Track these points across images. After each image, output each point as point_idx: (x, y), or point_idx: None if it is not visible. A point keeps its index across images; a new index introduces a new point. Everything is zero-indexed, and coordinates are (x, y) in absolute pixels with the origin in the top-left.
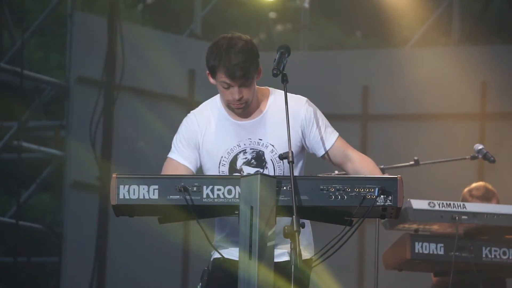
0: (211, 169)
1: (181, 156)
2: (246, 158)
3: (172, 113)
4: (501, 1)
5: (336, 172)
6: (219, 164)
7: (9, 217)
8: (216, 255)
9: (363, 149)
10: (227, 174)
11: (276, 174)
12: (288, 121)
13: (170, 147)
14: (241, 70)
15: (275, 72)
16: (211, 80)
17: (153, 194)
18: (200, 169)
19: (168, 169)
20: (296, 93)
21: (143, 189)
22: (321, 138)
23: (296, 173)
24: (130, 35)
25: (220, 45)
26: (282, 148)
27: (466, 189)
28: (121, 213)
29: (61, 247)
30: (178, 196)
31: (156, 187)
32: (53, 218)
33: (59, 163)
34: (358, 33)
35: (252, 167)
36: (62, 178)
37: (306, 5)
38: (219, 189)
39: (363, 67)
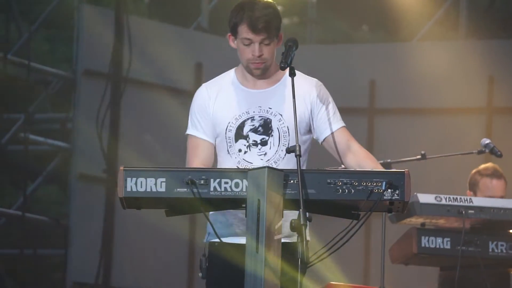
0: (219, 135)
1: (196, 130)
2: (253, 125)
3: (179, 106)
4: None
5: (343, 166)
6: (226, 129)
7: (16, 209)
8: (210, 238)
9: (370, 143)
10: (233, 140)
11: (281, 143)
12: (295, 108)
13: (176, 139)
14: (264, 22)
15: (282, 65)
16: (232, 44)
17: (161, 187)
18: None
19: (190, 149)
20: None
21: (151, 181)
22: (327, 120)
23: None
24: (137, 28)
25: (243, 3)
26: (291, 119)
27: (474, 170)
28: (128, 206)
29: (67, 239)
30: (185, 189)
31: (164, 179)
32: (60, 211)
33: (65, 156)
34: (364, 27)
35: (259, 134)
36: (68, 170)
37: None
38: (226, 182)
39: (371, 61)
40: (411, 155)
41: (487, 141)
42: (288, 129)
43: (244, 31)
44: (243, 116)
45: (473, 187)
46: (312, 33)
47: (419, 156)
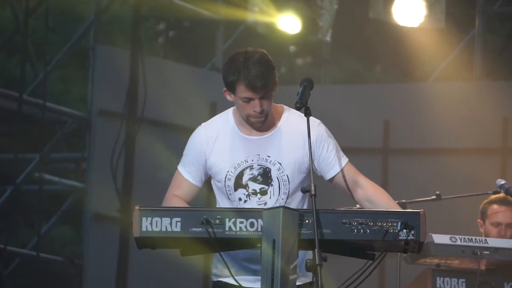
0: (219, 182)
1: (186, 171)
2: (252, 174)
3: None
4: None
5: (358, 206)
6: (225, 178)
7: (30, 249)
8: (215, 278)
9: (384, 183)
10: (233, 188)
11: (281, 192)
12: (310, 150)
13: None
14: (262, 80)
15: (298, 105)
16: (229, 98)
17: (176, 227)
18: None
19: (174, 182)
20: None
21: (166, 221)
22: (331, 161)
23: (299, 198)
24: (152, 67)
25: (236, 60)
26: (290, 168)
27: (484, 201)
28: (143, 246)
29: (81, 279)
30: (201, 229)
31: (179, 219)
32: (74, 250)
33: (80, 195)
34: (378, 67)
35: (258, 183)
36: (83, 210)
37: (328, 38)
38: (241, 222)
39: (385, 101)
40: (425, 196)
41: (502, 181)
42: (288, 178)
43: (242, 90)
44: (242, 165)
45: (483, 216)
46: (326, 73)
47: (434, 197)
